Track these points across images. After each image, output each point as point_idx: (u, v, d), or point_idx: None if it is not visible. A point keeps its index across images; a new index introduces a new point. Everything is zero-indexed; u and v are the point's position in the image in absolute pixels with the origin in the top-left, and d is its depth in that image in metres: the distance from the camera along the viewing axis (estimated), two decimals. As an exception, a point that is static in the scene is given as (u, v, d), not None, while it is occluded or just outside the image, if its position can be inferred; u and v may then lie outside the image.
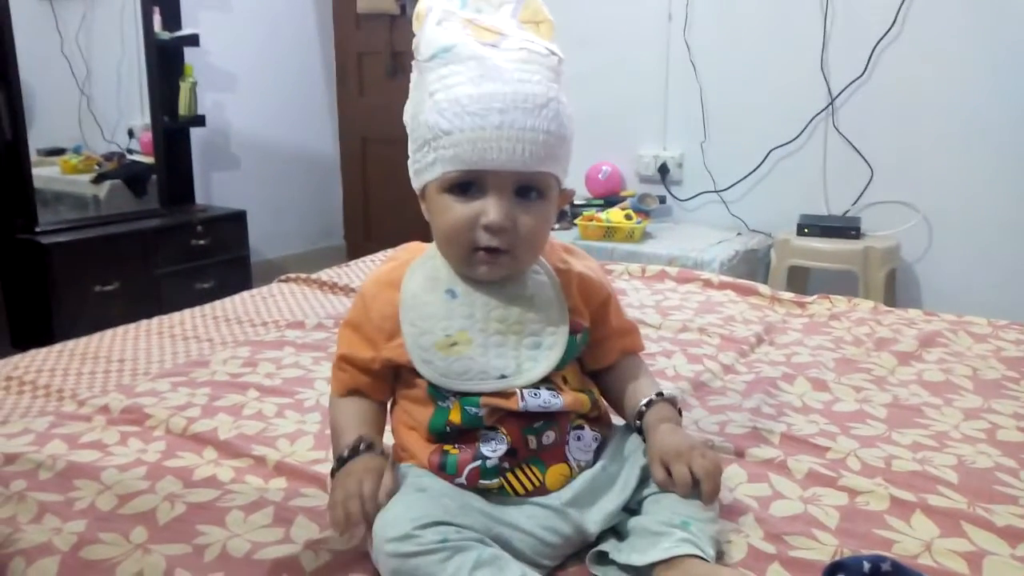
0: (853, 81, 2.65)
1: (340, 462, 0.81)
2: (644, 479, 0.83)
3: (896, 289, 2.65)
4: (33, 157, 2.93)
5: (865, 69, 2.62)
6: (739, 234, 2.81)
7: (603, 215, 2.73)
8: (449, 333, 0.83)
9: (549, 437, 0.83)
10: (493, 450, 0.81)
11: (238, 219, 3.40)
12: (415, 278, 0.88)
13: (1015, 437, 1.09)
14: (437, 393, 0.84)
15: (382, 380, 0.89)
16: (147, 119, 3.28)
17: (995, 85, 2.44)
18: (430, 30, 0.83)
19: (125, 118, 3.30)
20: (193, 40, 3.36)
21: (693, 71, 2.91)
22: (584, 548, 0.81)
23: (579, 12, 3.01)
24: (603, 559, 0.79)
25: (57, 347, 1.50)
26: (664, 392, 0.92)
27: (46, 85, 2.99)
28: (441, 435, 0.83)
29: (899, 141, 2.62)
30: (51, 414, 1.18)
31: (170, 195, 3.35)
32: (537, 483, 0.82)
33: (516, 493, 0.81)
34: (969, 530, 0.86)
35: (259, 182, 3.94)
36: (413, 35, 0.86)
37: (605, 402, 0.95)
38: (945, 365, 1.35)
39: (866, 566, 0.72)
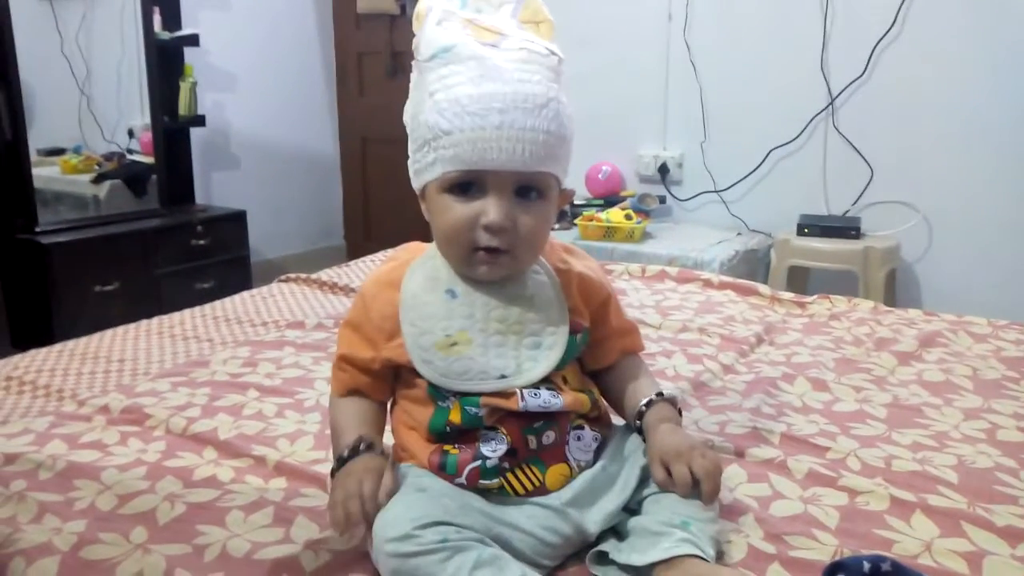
0: (853, 81, 2.65)
1: (340, 462, 0.81)
2: (644, 479, 0.83)
3: (896, 289, 2.65)
4: (33, 157, 2.93)
5: (865, 69, 2.62)
6: (739, 234, 2.81)
7: (603, 215, 2.73)
8: (449, 333, 0.83)
9: (549, 437, 0.83)
10: (493, 450, 0.81)
11: (238, 219, 3.40)
12: (415, 278, 0.88)
13: (1015, 437, 1.09)
14: (437, 393, 0.84)
15: (382, 380, 0.89)
16: (147, 119, 3.28)
17: (995, 85, 2.44)
18: (430, 30, 0.83)
19: (125, 118, 3.30)
20: (193, 40, 3.36)
21: (693, 71, 2.91)
22: (584, 548, 0.81)
23: (579, 12, 3.01)
24: (603, 559, 0.79)
25: (57, 347, 1.50)
26: (664, 392, 0.92)
27: (46, 85, 2.99)
28: (441, 435, 0.83)
29: (899, 141, 2.62)
30: (51, 414, 1.18)
31: (170, 195, 3.35)
32: (537, 483, 0.82)
33: (516, 493, 0.81)
34: (969, 530, 0.86)
35: (259, 182, 3.94)
36: (413, 35, 0.86)
37: (605, 402, 0.94)
38: (945, 365, 1.35)
39: (866, 566, 0.72)
